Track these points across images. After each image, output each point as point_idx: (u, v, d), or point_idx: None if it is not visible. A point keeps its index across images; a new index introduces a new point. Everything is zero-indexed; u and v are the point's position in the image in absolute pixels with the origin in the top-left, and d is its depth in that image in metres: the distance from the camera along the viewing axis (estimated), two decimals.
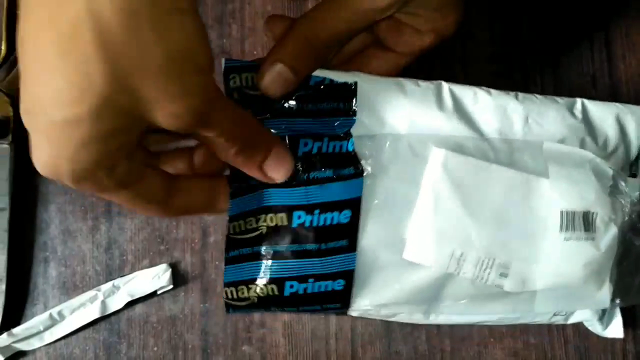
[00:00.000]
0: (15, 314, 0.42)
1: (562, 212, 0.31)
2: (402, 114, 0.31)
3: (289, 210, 0.29)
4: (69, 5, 0.19)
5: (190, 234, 0.43)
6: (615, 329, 0.36)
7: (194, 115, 0.23)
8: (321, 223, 0.29)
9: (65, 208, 0.43)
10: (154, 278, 0.41)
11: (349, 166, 0.30)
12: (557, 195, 0.31)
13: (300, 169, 0.29)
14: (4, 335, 0.41)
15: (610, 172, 0.33)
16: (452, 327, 0.41)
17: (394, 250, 0.30)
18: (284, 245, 0.29)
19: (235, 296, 0.30)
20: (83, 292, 0.42)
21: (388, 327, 0.41)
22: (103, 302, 0.41)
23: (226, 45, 0.44)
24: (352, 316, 0.32)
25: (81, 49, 0.19)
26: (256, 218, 0.29)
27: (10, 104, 0.43)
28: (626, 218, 0.33)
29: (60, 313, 0.41)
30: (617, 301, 0.33)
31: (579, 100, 0.34)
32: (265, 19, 0.33)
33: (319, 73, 0.30)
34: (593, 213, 0.32)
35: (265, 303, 0.30)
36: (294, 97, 0.30)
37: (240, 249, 0.30)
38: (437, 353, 0.41)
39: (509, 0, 0.44)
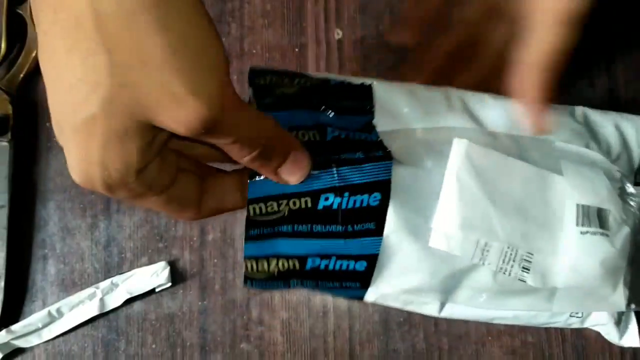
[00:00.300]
0: (13, 311, 0.42)
1: (577, 206, 0.32)
2: (415, 113, 0.32)
3: (315, 194, 0.28)
4: None
5: (188, 232, 0.43)
6: (632, 338, 0.36)
7: (202, 122, 0.20)
8: (350, 205, 0.29)
9: (64, 205, 0.43)
10: (152, 276, 0.41)
11: (377, 150, 0.30)
12: (572, 189, 0.32)
13: (331, 151, 0.29)
14: (3, 332, 0.41)
15: (618, 174, 0.34)
16: (450, 326, 0.41)
17: (417, 237, 0.30)
18: (307, 225, 0.29)
19: (255, 269, 0.29)
20: (82, 289, 0.42)
21: (386, 325, 0.41)
22: (101, 300, 0.41)
23: (225, 45, 0.44)
24: (367, 301, 0.31)
25: (84, 40, 0.19)
26: (278, 202, 0.29)
27: (9, 101, 0.43)
28: (637, 221, 0.33)
29: (58, 310, 0.41)
30: (633, 306, 0.33)
31: (579, 108, 0.35)
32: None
33: (336, 77, 0.31)
34: (607, 210, 0.32)
35: (286, 276, 0.29)
36: (317, 96, 0.30)
37: (262, 228, 0.29)
38: (435, 351, 0.41)
39: None
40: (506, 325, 0.41)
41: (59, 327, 0.41)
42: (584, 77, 0.43)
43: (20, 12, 0.44)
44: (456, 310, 0.33)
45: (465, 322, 0.41)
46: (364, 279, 0.30)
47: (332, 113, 0.30)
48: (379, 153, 0.29)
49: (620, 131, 0.36)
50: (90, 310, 0.41)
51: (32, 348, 0.42)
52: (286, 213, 0.29)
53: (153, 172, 0.23)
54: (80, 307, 0.41)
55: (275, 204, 0.29)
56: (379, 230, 0.29)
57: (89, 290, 0.42)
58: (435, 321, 0.41)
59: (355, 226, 0.29)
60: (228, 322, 0.42)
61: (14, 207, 0.43)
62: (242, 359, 0.42)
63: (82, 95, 0.20)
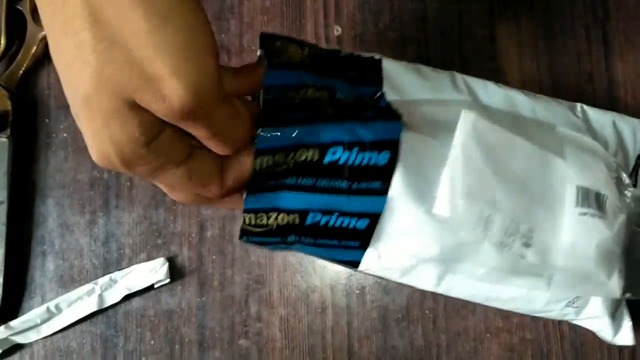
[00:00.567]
0: (12, 307, 0.42)
1: (577, 187, 0.32)
2: (421, 87, 0.32)
3: (324, 146, 0.28)
4: None
5: (187, 228, 0.43)
6: (625, 336, 0.36)
7: (181, 108, 0.20)
8: (357, 162, 0.28)
9: (63, 202, 0.43)
10: (151, 272, 0.41)
11: (387, 111, 0.30)
12: (573, 172, 0.32)
13: (340, 108, 0.29)
14: (1, 328, 0.41)
15: (615, 165, 0.34)
16: (449, 322, 0.41)
17: (422, 202, 0.30)
18: (312, 179, 0.28)
19: (253, 222, 0.29)
20: (80, 285, 0.42)
21: (384, 322, 0.41)
22: (100, 296, 0.41)
23: (224, 41, 0.44)
24: (362, 270, 0.31)
25: (72, 18, 0.19)
26: (286, 154, 0.28)
27: (9, 97, 0.43)
28: (631, 212, 0.34)
29: (57, 306, 0.41)
30: (628, 294, 0.33)
31: (578, 105, 0.36)
32: None
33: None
34: (604, 195, 0.33)
35: (284, 231, 0.29)
36: (326, 64, 0.30)
37: (265, 181, 0.28)
38: (433, 348, 0.41)
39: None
40: (504, 322, 0.41)
41: (57, 323, 0.41)
42: (584, 75, 0.43)
43: (20, 8, 0.44)
44: (455, 283, 0.32)
45: (463, 319, 0.41)
46: (364, 238, 0.30)
47: (342, 79, 0.30)
48: (390, 113, 0.29)
49: (617, 130, 0.36)
50: (89, 306, 0.41)
51: (30, 344, 0.42)
52: (291, 165, 0.28)
53: (165, 142, 0.23)
54: (79, 303, 0.41)
55: (282, 155, 0.28)
56: (384, 190, 0.29)
57: (88, 287, 0.42)
58: (434, 318, 0.41)
59: (360, 183, 0.29)
60: (226, 319, 0.42)
61: (13, 204, 0.43)
62: (241, 355, 0.42)
63: (76, 74, 0.20)
